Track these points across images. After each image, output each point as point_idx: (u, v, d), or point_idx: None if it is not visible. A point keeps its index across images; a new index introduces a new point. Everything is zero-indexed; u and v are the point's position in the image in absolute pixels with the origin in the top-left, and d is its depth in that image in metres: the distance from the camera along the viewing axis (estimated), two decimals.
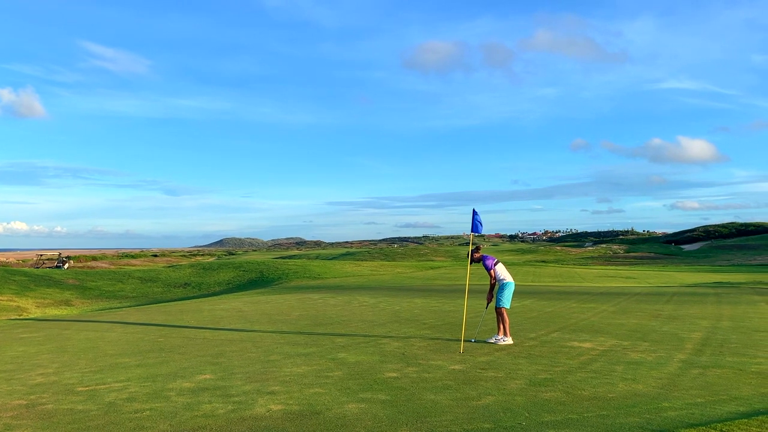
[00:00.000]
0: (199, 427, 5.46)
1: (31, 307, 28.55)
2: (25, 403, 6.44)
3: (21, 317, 24.43)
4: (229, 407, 6.11)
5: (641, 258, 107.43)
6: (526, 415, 5.71)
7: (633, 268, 68.03)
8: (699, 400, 6.23)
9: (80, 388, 7.11)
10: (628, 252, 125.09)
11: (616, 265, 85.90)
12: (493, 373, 7.73)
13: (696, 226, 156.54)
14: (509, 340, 10.32)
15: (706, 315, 15.01)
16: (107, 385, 7.25)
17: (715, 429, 5.00)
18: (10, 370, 8.49)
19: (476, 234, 10.31)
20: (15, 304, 28.39)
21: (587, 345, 10.17)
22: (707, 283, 34.08)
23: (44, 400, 6.57)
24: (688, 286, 32.01)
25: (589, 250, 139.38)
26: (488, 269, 10.48)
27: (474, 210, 10.00)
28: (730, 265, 75.69)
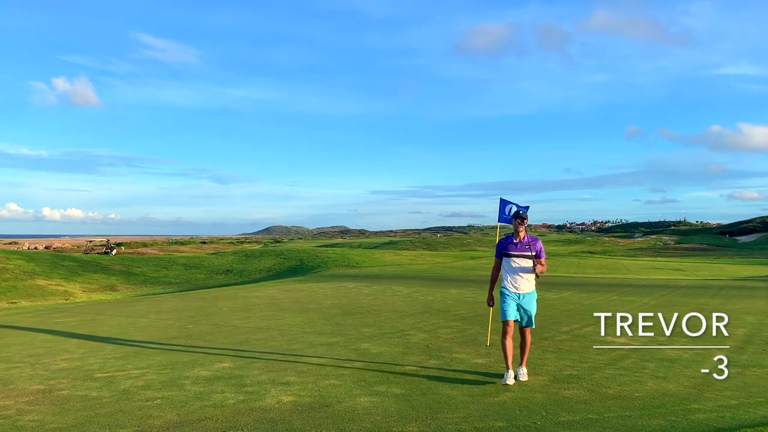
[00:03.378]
0: (206, 417, 5.41)
1: (78, 291, 29.48)
2: (42, 388, 6.52)
3: (68, 301, 25.23)
4: (240, 397, 6.05)
5: (692, 249, 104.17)
6: (543, 413, 5.46)
7: (682, 260, 65.92)
8: (732, 402, 5.85)
9: (99, 374, 7.18)
10: (678, 243, 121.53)
11: (666, 256, 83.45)
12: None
13: (753, 217, 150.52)
14: (510, 378, 6.64)
15: (754, 310, 14.28)
16: (126, 372, 7.30)
17: None
18: (38, 354, 8.67)
19: (504, 224, 9.93)
20: (63, 288, 29.36)
21: (622, 340, 9.72)
22: (760, 277, 32.66)
23: (62, 385, 6.64)
24: (739, 279, 30.74)
25: (639, 241, 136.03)
26: (540, 255, 6.85)
27: (501, 199, 9.63)
28: None
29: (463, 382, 6.73)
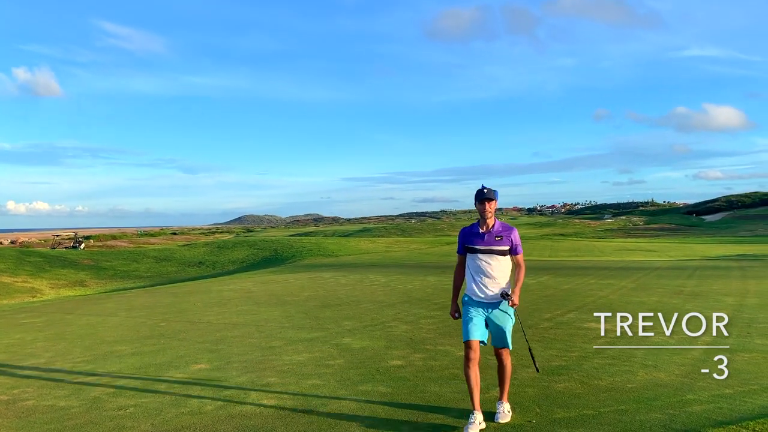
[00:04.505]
0: (183, 426, 5.08)
1: (46, 288, 28.61)
2: (6, 398, 6.11)
3: (34, 299, 24.46)
4: (218, 403, 5.72)
5: (661, 230, 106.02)
6: (537, 410, 5.25)
7: (653, 241, 67.01)
8: (726, 390, 5.71)
9: (68, 381, 6.77)
10: (648, 224, 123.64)
11: (636, 237, 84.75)
12: None
13: (718, 197, 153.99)
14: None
15: (731, 291, 14.37)
16: (96, 377, 6.91)
17: (748, 429, 4.50)
18: (0, 360, 8.20)
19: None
20: (30, 285, 28.47)
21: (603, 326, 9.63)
22: (731, 256, 33.22)
23: (27, 395, 6.23)
24: (711, 258, 31.22)
25: (609, 222, 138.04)
26: (517, 250, 5.08)
27: (483, 186, 9.41)
28: (753, 236, 74.29)
29: (451, 377, 6.49)
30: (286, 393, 6.01)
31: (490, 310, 4.99)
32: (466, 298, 5.11)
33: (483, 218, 5.03)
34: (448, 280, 19.21)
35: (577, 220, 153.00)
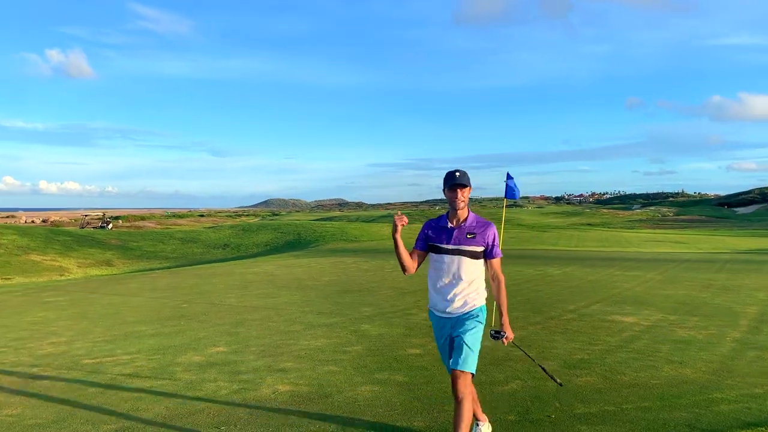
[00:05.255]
0: (197, 410, 5.05)
1: (73, 267, 29.12)
2: (25, 376, 6.17)
3: (62, 277, 24.91)
4: (234, 387, 5.69)
5: (691, 221, 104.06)
6: (557, 405, 5.10)
7: (682, 232, 65.74)
8: (756, 390, 5.50)
9: (86, 361, 6.82)
10: (677, 215, 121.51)
11: (665, 228, 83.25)
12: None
13: (752, 188, 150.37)
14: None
15: (764, 286, 13.96)
16: (115, 358, 6.94)
17: None
18: (23, 338, 8.31)
19: (512, 200, 9.51)
20: (58, 264, 29.00)
21: (630, 319, 9.43)
22: (764, 250, 32.39)
23: (46, 373, 6.29)
24: (743, 252, 30.47)
25: (637, 212, 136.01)
26: (494, 253, 4.02)
27: (508, 174, 9.22)
28: None
29: None
30: (302, 379, 5.95)
31: (455, 326, 3.93)
32: (430, 313, 4.16)
33: (453, 209, 3.96)
34: None
35: (605, 210, 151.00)
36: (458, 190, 3.90)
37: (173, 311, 10.51)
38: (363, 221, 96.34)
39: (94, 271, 28.30)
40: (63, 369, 6.47)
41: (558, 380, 4.46)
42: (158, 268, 28.13)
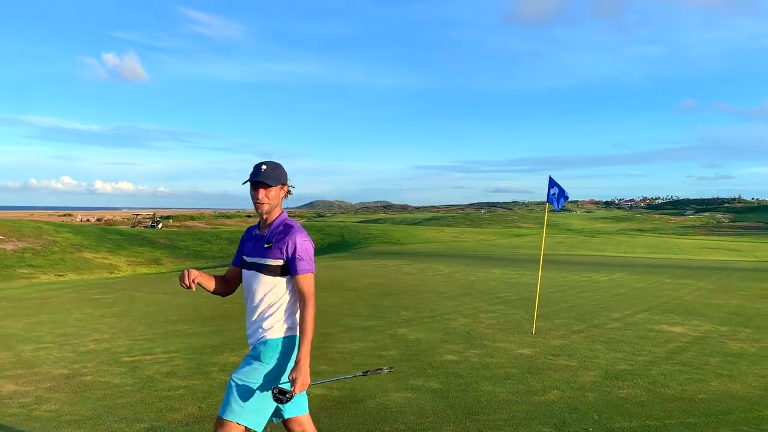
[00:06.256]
0: None
1: (123, 265, 29.98)
2: (66, 372, 6.31)
3: (112, 275, 25.65)
4: None
5: (748, 228, 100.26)
6: (596, 417, 4.92)
7: (738, 240, 63.33)
8: None
9: (126, 358, 6.94)
10: (733, 221, 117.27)
11: (720, 235, 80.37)
12: (564, 361, 6.90)
13: None
14: None
15: None
16: (153, 356, 7.05)
17: None
18: (68, 334, 8.53)
19: (555, 209, 9.22)
20: (109, 261, 29.90)
21: (678, 329, 9.08)
22: None
23: (86, 370, 6.41)
24: None
25: (691, 218, 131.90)
26: (297, 267, 2.98)
27: (550, 178, 8.96)
28: None
29: (507, 377, 6.21)
30: (335, 382, 5.91)
31: (255, 355, 3.08)
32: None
33: (259, 214, 3.13)
34: (515, 274, 18.72)
35: (656, 216, 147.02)
36: (261, 189, 3.02)
37: (214, 311, 10.64)
38: (407, 224, 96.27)
39: (143, 270, 29.07)
40: (103, 366, 6.61)
41: (387, 368, 3.48)
42: (204, 267, 28.69)
